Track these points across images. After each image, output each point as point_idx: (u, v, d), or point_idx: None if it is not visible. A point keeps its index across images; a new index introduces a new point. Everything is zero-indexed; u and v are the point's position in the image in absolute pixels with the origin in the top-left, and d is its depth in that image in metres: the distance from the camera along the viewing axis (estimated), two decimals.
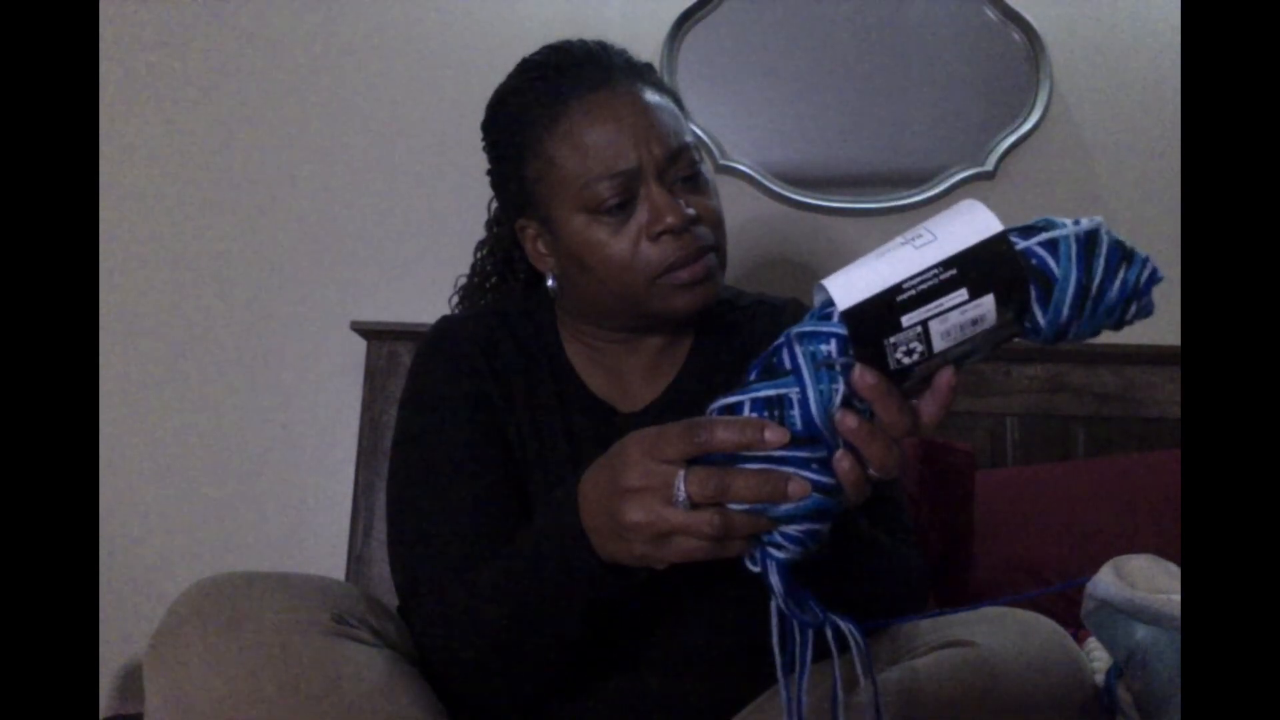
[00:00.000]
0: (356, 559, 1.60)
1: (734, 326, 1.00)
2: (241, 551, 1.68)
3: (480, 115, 0.98)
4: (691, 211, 0.87)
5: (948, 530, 1.40)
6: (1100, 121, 1.80)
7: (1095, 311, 0.60)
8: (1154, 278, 0.60)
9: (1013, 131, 1.77)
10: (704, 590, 0.86)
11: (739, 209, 1.77)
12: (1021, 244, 0.59)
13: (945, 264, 0.57)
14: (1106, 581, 0.83)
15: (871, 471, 0.62)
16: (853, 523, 0.81)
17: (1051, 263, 0.59)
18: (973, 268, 0.57)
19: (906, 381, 0.60)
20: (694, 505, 0.61)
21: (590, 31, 0.98)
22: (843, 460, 0.60)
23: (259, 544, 1.69)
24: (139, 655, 0.77)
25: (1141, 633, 0.82)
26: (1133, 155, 1.79)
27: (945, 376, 0.61)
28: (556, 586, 0.72)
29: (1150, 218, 1.78)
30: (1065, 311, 0.59)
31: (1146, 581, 0.83)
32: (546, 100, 0.90)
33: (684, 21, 1.78)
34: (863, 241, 1.77)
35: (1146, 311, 0.61)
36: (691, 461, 0.62)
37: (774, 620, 0.63)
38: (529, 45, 0.96)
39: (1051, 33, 1.79)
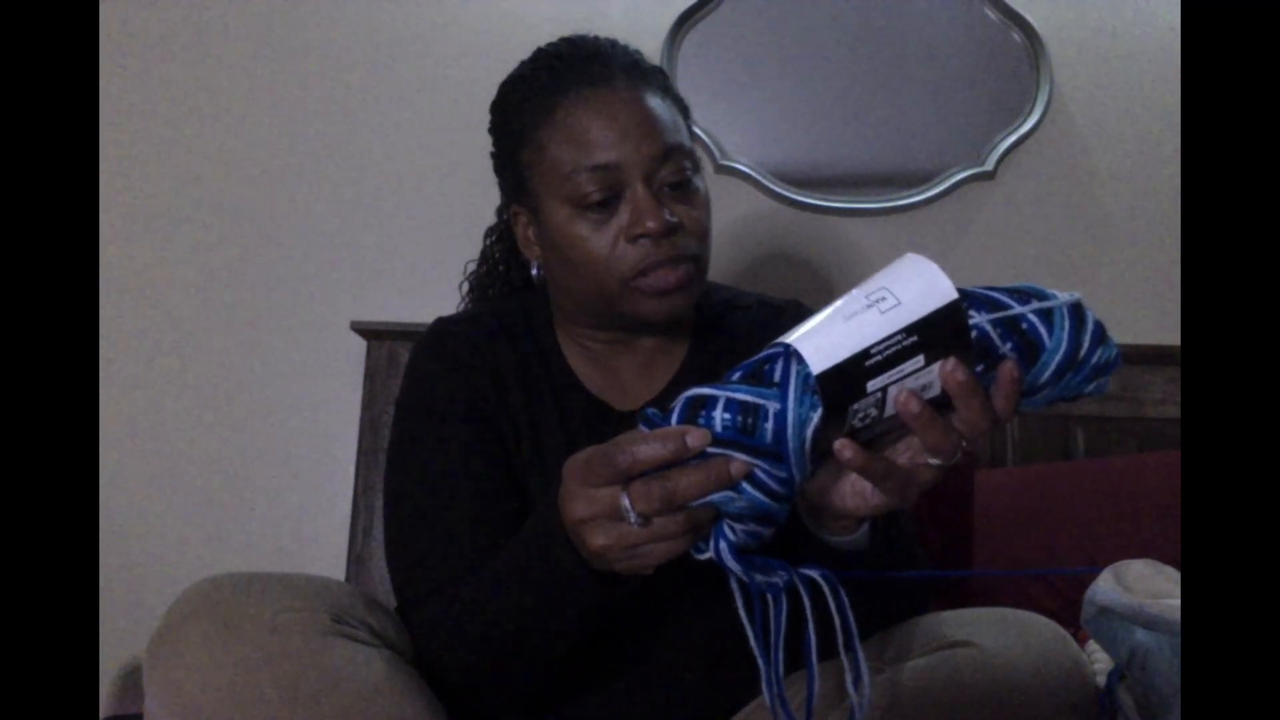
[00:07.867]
0: (356, 559, 1.60)
1: (733, 327, 1.00)
2: (241, 551, 1.68)
3: (481, 114, 0.98)
4: (674, 219, 0.87)
5: (947, 530, 1.40)
6: (1100, 121, 1.80)
7: (1069, 383, 0.62)
8: (1117, 361, 0.63)
9: (1013, 131, 1.77)
10: (704, 590, 0.86)
11: (739, 209, 1.76)
12: (1016, 309, 0.60)
13: (908, 330, 0.58)
14: (1106, 587, 0.83)
15: (931, 460, 0.64)
16: (899, 530, 0.80)
17: (1044, 331, 0.60)
18: (930, 336, 0.59)
19: (857, 438, 0.62)
20: (648, 516, 0.61)
21: (590, 31, 0.99)
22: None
23: (259, 544, 1.69)
24: (139, 655, 0.77)
25: (1141, 634, 0.82)
26: (1133, 155, 1.79)
27: (1008, 368, 0.61)
28: (549, 593, 0.72)
29: (1150, 218, 1.77)
30: (1046, 376, 0.61)
31: (1145, 587, 0.83)
32: (547, 89, 0.90)
33: (684, 21, 1.78)
34: (863, 241, 1.77)
35: (1101, 389, 0.64)
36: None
37: (738, 598, 0.63)
38: (529, 45, 0.96)
39: (1051, 33, 1.79)
